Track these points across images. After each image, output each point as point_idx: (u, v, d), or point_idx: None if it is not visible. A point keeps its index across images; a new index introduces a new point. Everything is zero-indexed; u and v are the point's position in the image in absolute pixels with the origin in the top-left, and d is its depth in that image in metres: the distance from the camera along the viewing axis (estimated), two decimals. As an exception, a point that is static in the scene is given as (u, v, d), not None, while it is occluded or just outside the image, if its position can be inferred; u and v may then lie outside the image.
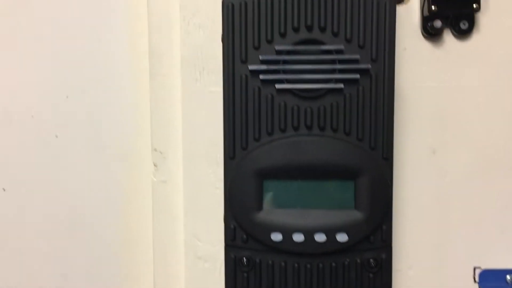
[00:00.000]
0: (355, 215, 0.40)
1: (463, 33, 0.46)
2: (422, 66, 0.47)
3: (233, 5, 0.39)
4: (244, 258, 0.41)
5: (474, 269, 0.48)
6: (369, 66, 0.39)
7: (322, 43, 0.39)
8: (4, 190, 0.53)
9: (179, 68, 0.48)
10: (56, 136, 0.52)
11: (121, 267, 0.52)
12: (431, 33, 0.45)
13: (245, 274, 0.42)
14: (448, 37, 0.46)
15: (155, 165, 0.50)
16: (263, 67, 0.39)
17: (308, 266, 0.41)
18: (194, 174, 0.49)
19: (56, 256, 0.53)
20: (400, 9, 0.47)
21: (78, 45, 0.51)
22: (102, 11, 0.51)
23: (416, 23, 0.46)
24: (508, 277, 0.47)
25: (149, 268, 0.51)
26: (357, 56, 0.39)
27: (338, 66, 0.39)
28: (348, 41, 0.39)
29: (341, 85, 0.39)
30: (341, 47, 0.39)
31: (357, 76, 0.39)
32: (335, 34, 0.39)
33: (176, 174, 0.50)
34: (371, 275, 0.41)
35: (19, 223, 0.53)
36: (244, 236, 0.41)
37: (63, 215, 0.52)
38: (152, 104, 0.49)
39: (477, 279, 0.48)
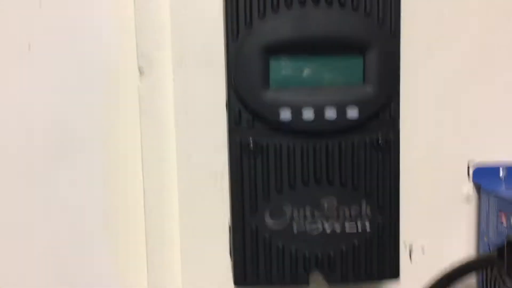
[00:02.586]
0: (365, 89, 0.39)
1: None
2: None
3: None
4: (250, 142, 0.39)
5: (468, 165, 0.48)
6: None
7: None
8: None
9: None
10: (29, 46, 0.48)
11: (110, 180, 0.49)
12: None
13: (252, 159, 0.40)
14: None
15: (141, 72, 0.47)
16: None
17: (317, 146, 0.40)
18: (185, 78, 0.46)
19: (39, 178, 0.48)
20: None
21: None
22: None
23: None
24: (501, 171, 0.48)
25: (139, 181, 0.48)
26: None
27: None
28: None
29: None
30: None
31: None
32: None
33: (164, 80, 0.47)
34: (379, 154, 0.40)
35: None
36: (250, 118, 0.40)
37: (43, 132, 0.48)
38: (136, 3, 0.46)
39: (471, 174, 0.48)
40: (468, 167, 0.48)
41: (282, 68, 0.39)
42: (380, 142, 0.40)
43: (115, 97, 0.49)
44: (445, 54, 0.47)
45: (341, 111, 0.39)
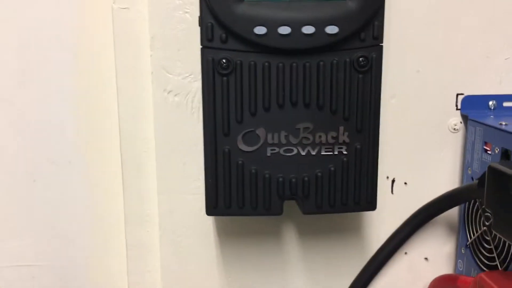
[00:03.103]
0: (346, 6, 0.37)
1: None
2: None
3: None
4: (223, 59, 0.37)
5: (457, 95, 0.46)
6: None
7: None
8: None
9: None
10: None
11: (82, 108, 0.47)
12: None
13: (225, 78, 0.38)
14: None
15: (114, -10, 0.45)
16: None
17: (294, 65, 0.38)
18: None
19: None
20: None
21: None
22: None
23: None
24: (490, 102, 0.46)
25: (113, 107, 0.46)
26: None
27: None
28: None
29: None
30: None
31: None
32: None
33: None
34: (360, 75, 0.38)
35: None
36: (224, 35, 0.37)
37: (14, 56, 0.46)
38: None
39: (459, 105, 0.46)
40: (457, 97, 0.46)
41: (258, -20, 0.36)
42: (361, 61, 0.37)
43: (87, 17, 0.47)
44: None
45: (320, 28, 0.36)
